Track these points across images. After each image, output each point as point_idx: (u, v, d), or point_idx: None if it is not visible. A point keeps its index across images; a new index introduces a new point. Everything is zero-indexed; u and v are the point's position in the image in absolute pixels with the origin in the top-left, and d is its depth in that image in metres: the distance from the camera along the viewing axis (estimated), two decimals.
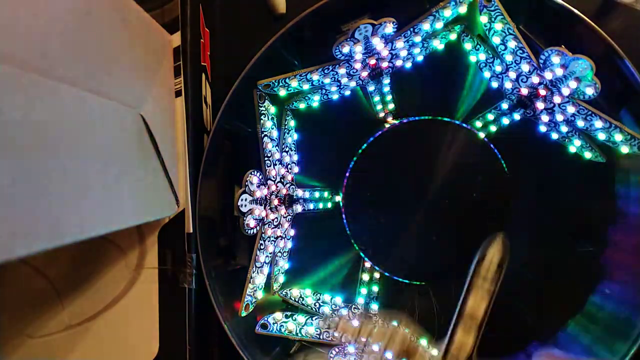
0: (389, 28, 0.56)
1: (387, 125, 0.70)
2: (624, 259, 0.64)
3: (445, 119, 0.69)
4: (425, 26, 0.59)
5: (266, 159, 0.62)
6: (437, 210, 0.68)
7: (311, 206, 0.69)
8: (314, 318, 0.66)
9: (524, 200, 0.69)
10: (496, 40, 0.60)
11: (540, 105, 0.62)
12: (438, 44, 0.64)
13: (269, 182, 0.63)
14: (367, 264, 0.70)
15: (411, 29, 0.59)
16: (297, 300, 0.68)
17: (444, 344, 0.57)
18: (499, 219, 0.69)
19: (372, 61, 0.62)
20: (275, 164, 0.64)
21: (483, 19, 0.60)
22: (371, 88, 0.66)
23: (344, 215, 0.70)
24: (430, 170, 0.68)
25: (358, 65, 0.61)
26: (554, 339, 0.66)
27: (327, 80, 0.62)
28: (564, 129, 0.62)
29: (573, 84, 0.56)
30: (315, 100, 0.66)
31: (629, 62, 0.56)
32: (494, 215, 0.69)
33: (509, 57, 0.60)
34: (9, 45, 0.31)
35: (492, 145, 0.68)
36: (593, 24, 0.56)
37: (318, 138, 0.71)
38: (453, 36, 0.64)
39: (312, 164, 0.70)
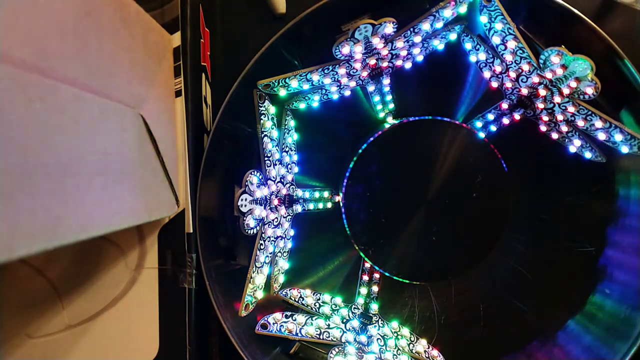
0: (389, 28, 0.56)
1: (387, 125, 0.70)
2: (624, 259, 0.64)
3: (445, 119, 0.69)
4: (425, 26, 0.59)
5: (266, 159, 0.62)
6: (437, 210, 0.68)
7: (311, 206, 0.69)
8: (313, 318, 0.67)
9: (523, 201, 0.70)
10: (496, 40, 0.60)
11: (540, 105, 0.62)
12: (438, 44, 0.64)
13: (269, 182, 0.63)
14: (367, 264, 0.70)
15: (411, 29, 0.59)
16: (297, 300, 0.68)
17: None
18: (499, 219, 0.69)
19: (372, 61, 0.62)
20: (275, 164, 0.64)
21: (483, 19, 0.60)
22: (371, 88, 0.66)
23: (344, 215, 0.70)
24: (430, 170, 0.68)
25: (358, 65, 0.61)
26: (554, 339, 0.66)
27: (327, 80, 0.62)
28: (564, 129, 0.62)
29: (573, 84, 0.56)
30: (315, 100, 0.66)
31: (629, 62, 0.56)
32: (494, 215, 0.69)
33: (509, 57, 0.60)
34: (9, 45, 0.31)
35: (492, 145, 0.68)
36: (593, 24, 0.56)
37: (318, 138, 0.71)
38: (453, 36, 0.64)
39: (312, 164, 0.70)
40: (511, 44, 0.59)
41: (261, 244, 0.61)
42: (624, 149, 0.59)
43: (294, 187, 0.68)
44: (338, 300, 0.70)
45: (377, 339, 0.67)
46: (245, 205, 0.58)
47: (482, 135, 0.68)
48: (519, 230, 0.70)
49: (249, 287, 0.61)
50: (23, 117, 0.32)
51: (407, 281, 0.70)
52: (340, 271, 0.72)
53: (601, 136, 0.59)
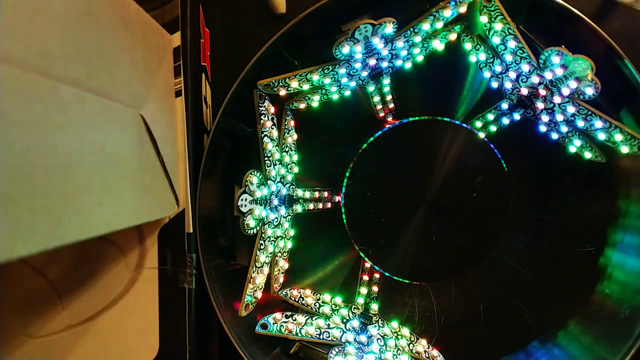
0: (389, 28, 0.56)
1: (387, 125, 0.70)
2: (624, 259, 0.64)
3: (445, 119, 0.69)
4: (425, 26, 0.59)
5: (266, 159, 0.62)
6: (437, 210, 0.68)
7: (311, 206, 0.69)
8: (313, 318, 0.67)
9: (523, 200, 0.70)
10: (496, 40, 0.60)
11: (540, 105, 0.62)
12: (438, 44, 0.64)
13: (269, 182, 0.63)
14: (367, 264, 0.70)
15: (411, 29, 0.59)
16: (297, 300, 0.68)
17: None
18: (499, 219, 0.69)
19: (372, 61, 0.62)
20: (275, 164, 0.64)
21: (483, 19, 0.60)
22: (371, 88, 0.66)
23: (344, 215, 0.70)
24: (430, 170, 0.68)
25: (358, 65, 0.61)
26: (554, 339, 0.66)
27: (327, 80, 0.62)
28: (564, 129, 0.62)
29: (573, 84, 0.56)
30: (315, 100, 0.66)
31: (629, 62, 0.56)
32: (494, 215, 0.69)
33: (509, 57, 0.60)
34: (9, 45, 0.31)
35: (492, 145, 0.68)
36: (593, 24, 0.56)
37: (318, 138, 0.71)
38: (453, 36, 0.64)
39: (312, 164, 0.70)
40: (511, 44, 0.59)
41: (261, 244, 0.61)
42: (624, 149, 0.59)
43: (294, 187, 0.68)
44: (338, 300, 0.70)
45: (377, 339, 0.67)
46: (245, 205, 0.58)
47: (482, 135, 0.68)
48: (519, 230, 0.70)
49: (249, 287, 0.61)
50: (23, 117, 0.32)
51: (407, 281, 0.70)
52: (340, 271, 0.72)
53: (601, 136, 0.59)
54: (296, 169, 0.69)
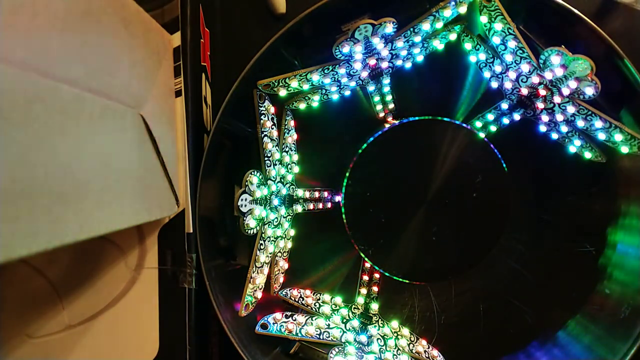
0: (389, 28, 0.56)
1: (387, 125, 0.70)
2: (624, 259, 0.64)
3: (445, 119, 0.69)
4: (425, 26, 0.59)
5: (266, 159, 0.62)
6: (437, 210, 0.68)
7: (311, 206, 0.69)
8: (313, 318, 0.67)
9: (523, 200, 0.70)
10: (496, 40, 0.60)
11: (540, 105, 0.62)
12: (438, 44, 0.64)
13: (269, 182, 0.63)
14: (367, 264, 0.70)
15: (411, 29, 0.59)
16: (297, 300, 0.68)
17: None
18: (499, 219, 0.69)
19: (372, 61, 0.62)
20: (275, 164, 0.64)
21: (483, 19, 0.60)
22: (371, 88, 0.66)
23: (344, 215, 0.70)
24: (430, 170, 0.68)
25: (358, 65, 0.61)
26: (554, 339, 0.66)
27: (327, 80, 0.62)
28: (564, 129, 0.62)
29: (573, 84, 0.56)
30: (315, 100, 0.66)
31: (629, 62, 0.56)
32: (494, 215, 0.69)
33: (509, 57, 0.60)
34: (9, 45, 0.31)
35: (492, 145, 0.68)
36: (593, 24, 0.56)
37: (318, 138, 0.71)
38: (453, 36, 0.64)
39: (312, 164, 0.70)
40: (511, 44, 0.59)
41: (261, 244, 0.61)
42: (624, 149, 0.59)
43: (294, 187, 0.68)
44: (338, 300, 0.70)
45: (377, 339, 0.67)
46: (245, 205, 0.58)
47: (482, 135, 0.68)
48: (519, 230, 0.70)
49: (249, 287, 0.61)
50: (23, 118, 0.32)
51: (407, 281, 0.70)
52: (340, 271, 0.72)
53: (601, 136, 0.59)
54: (296, 169, 0.69)
